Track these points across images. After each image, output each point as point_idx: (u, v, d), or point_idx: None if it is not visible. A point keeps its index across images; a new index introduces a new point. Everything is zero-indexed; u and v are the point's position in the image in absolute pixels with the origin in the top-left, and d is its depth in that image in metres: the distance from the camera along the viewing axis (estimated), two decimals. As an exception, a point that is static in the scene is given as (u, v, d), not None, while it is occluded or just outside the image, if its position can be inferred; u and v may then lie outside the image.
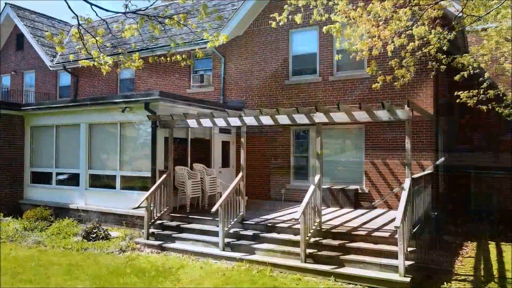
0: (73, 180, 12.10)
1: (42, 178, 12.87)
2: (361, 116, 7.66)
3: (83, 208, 11.51)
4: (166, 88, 15.02)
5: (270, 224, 8.66)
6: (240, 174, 8.95)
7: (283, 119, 8.42)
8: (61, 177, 12.53)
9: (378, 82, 8.05)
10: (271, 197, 12.80)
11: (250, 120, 8.82)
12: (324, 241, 7.78)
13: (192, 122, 9.61)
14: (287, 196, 12.55)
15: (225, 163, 13.03)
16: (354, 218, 9.48)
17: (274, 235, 8.35)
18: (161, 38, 14.86)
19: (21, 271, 7.27)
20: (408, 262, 6.78)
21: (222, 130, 12.84)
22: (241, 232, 8.66)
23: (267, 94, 13.07)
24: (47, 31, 19.51)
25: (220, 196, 11.49)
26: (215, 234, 8.73)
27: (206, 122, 9.42)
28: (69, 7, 6.34)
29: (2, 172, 12.46)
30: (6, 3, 19.57)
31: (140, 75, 15.96)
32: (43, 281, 6.73)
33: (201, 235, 9.00)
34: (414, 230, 7.75)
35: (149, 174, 10.38)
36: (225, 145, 13.07)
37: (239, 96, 13.58)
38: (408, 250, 7.00)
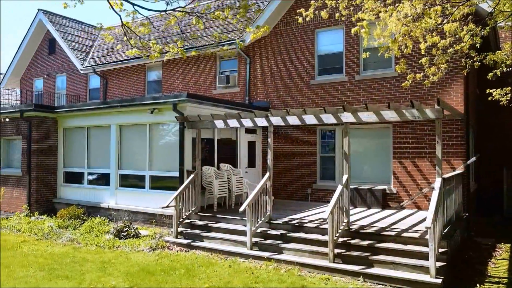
0: (104, 180, 12.46)
1: (74, 178, 13.30)
2: (390, 115, 7.58)
3: (113, 207, 11.83)
4: (192, 89, 15.24)
5: (297, 224, 8.68)
6: (267, 174, 9.00)
7: (310, 119, 8.43)
8: (92, 177, 12.91)
9: (408, 81, 7.93)
10: (297, 197, 12.81)
11: (276, 120, 8.87)
12: (353, 241, 7.74)
13: (219, 123, 9.73)
14: (313, 196, 12.52)
15: (251, 163, 13.12)
16: (382, 219, 9.38)
17: (301, 234, 8.37)
18: (188, 40, 15.09)
19: (58, 267, 7.55)
20: (439, 263, 6.68)
21: (248, 130, 12.93)
22: (269, 232, 8.72)
23: (293, 94, 13.08)
24: (77, 35, 20.18)
25: (247, 196, 11.61)
26: (243, 233, 8.82)
27: (233, 123, 9.52)
28: (111, 6, 6.52)
29: (38, 172, 12.94)
30: (38, 9, 20.28)
31: (167, 77, 16.25)
32: (79, 277, 6.96)
33: (229, 234, 9.11)
34: (445, 231, 7.62)
35: (177, 174, 10.57)
36: (251, 145, 13.16)
37: (264, 96, 13.64)
38: (439, 251, 6.90)
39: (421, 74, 7.80)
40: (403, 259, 7.00)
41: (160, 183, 11.24)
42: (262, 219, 8.83)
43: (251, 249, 8.36)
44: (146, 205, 11.18)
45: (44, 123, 13.17)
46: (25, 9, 74.19)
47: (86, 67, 18.52)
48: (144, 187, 11.47)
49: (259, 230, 8.73)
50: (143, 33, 7.43)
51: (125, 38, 7.52)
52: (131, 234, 9.83)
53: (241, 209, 8.27)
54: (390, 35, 7.08)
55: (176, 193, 9.59)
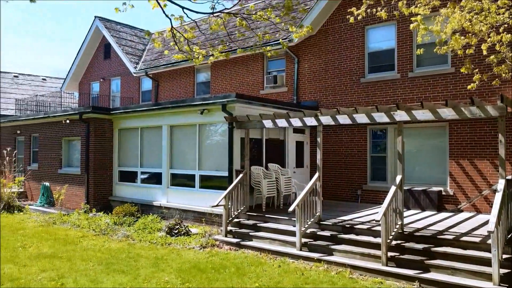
0: (156, 179, 12.87)
1: (128, 177, 13.86)
2: (447, 113, 7.22)
3: (165, 205, 12.19)
4: (240, 90, 15.38)
5: (348, 226, 8.49)
6: (317, 174, 8.89)
7: (361, 118, 8.21)
8: (145, 176, 13.39)
9: (474, 82, 7.48)
10: (346, 198, 12.55)
11: (326, 120, 8.73)
12: (407, 245, 7.45)
13: (267, 123, 9.73)
14: (364, 198, 12.21)
15: (299, 163, 13.02)
16: (438, 222, 8.96)
17: (352, 236, 8.17)
18: (236, 42, 15.24)
19: (114, 261, 7.88)
20: (503, 270, 6.26)
21: (296, 130, 12.85)
22: (318, 233, 8.59)
23: (342, 93, 12.83)
24: (130, 40, 21.02)
25: (295, 196, 11.54)
26: (292, 233, 8.77)
27: (282, 123, 9.49)
28: (163, 11, 6.72)
29: (95, 171, 13.61)
30: (95, 16, 21.36)
31: (215, 78, 16.52)
32: (134, 272, 7.22)
33: (278, 234, 9.08)
34: (509, 236, 7.13)
35: (226, 174, 10.70)
36: (299, 145, 13.06)
37: (312, 96, 13.49)
38: (503, 257, 6.47)
39: (488, 73, 7.33)
40: (462, 265, 6.64)
41: (209, 183, 11.44)
42: (312, 219, 8.73)
43: (301, 249, 8.28)
44: (196, 204, 11.42)
45: (100, 124, 13.84)
46: (82, 17, 78.48)
47: (138, 70, 19.26)
48: (194, 186, 11.72)
49: (308, 231, 8.63)
50: (190, 37, 7.59)
51: (172, 44, 7.72)
52: (182, 232, 10.07)
53: (291, 209, 8.22)
54: (451, 31, 6.72)
55: (226, 192, 9.71)
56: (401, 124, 7.88)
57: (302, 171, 13.11)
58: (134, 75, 19.57)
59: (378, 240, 7.62)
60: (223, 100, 10.42)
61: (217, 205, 9.56)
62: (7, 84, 28.80)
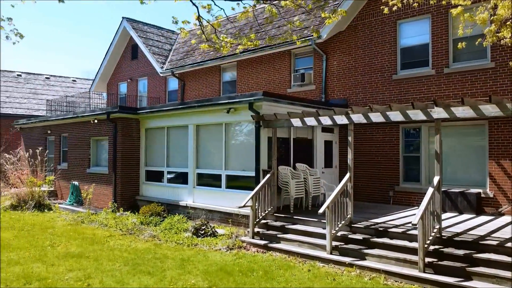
0: (182, 178, 12.78)
1: (154, 176, 13.83)
2: (490, 110, 6.72)
3: (191, 205, 12.06)
4: (267, 88, 15.12)
5: (381, 229, 8.08)
6: (348, 175, 8.52)
7: (396, 116, 7.80)
8: (171, 175, 13.32)
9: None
10: (376, 200, 12.08)
11: (358, 118, 8.35)
12: (446, 250, 7.00)
13: (295, 121, 9.43)
14: (396, 199, 11.72)
15: (328, 163, 12.64)
16: (478, 226, 8.43)
17: (386, 240, 7.77)
18: (263, 39, 15.01)
19: (141, 262, 7.77)
20: (555, 281, 5.75)
21: (325, 129, 12.48)
22: (349, 236, 8.23)
23: (372, 91, 12.37)
24: (157, 40, 21.12)
25: (324, 197, 11.19)
26: (321, 236, 8.45)
27: (311, 121, 9.17)
28: (192, 2, 6.53)
29: (122, 171, 13.65)
30: (123, 17, 21.56)
31: (241, 77, 16.32)
32: (160, 274, 7.08)
33: (306, 236, 8.77)
34: (560, 243, 6.58)
35: (253, 174, 10.46)
36: (328, 144, 12.68)
37: (341, 93, 13.08)
38: (555, 266, 5.95)
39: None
40: (508, 273, 6.15)
41: (235, 183, 11.23)
42: (342, 222, 8.36)
43: (331, 253, 7.94)
44: (222, 204, 11.23)
45: (128, 123, 13.87)
46: (111, 18, 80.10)
47: (165, 70, 19.29)
48: (220, 186, 11.54)
49: (339, 234, 8.28)
50: (217, 26, 7.35)
51: (198, 32, 7.51)
52: (208, 233, 9.90)
53: (321, 210, 7.89)
54: (503, 19, 6.23)
55: (253, 192, 9.47)
56: (439, 122, 7.42)
57: (331, 171, 12.73)
58: (161, 75, 19.62)
59: (414, 244, 7.21)
60: (250, 98, 10.18)
61: (244, 206, 9.33)
62: (39, 85, 29.60)
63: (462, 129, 10.76)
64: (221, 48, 7.71)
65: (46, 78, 31.03)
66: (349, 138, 8.63)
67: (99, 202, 14.41)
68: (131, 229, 10.63)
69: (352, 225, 8.52)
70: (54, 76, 31.75)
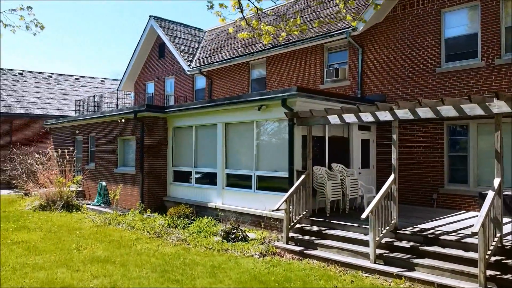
0: (211, 179, 12.28)
1: (182, 177, 13.40)
2: None
3: (220, 207, 11.54)
4: (298, 85, 14.43)
5: (431, 236, 7.31)
6: (392, 176, 7.77)
7: (448, 111, 7.00)
8: (199, 176, 12.85)
9: None
10: (418, 202, 11.21)
11: (404, 114, 7.59)
12: (510, 262, 6.17)
13: (333, 118, 8.75)
14: (440, 202, 10.83)
15: (365, 163, 11.86)
16: (542, 234, 7.51)
17: (437, 249, 6.99)
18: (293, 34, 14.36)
19: (169, 269, 7.28)
20: None
21: (362, 127, 11.71)
22: (395, 243, 7.49)
23: (414, 85, 11.50)
24: (184, 38, 20.78)
25: (361, 199, 10.44)
26: (362, 243, 7.76)
27: (350, 118, 8.46)
28: None
29: (150, 171, 13.28)
30: (150, 16, 21.36)
31: (271, 73, 15.71)
32: (190, 282, 6.56)
33: (346, 243, 8.07)
34: None
35: (286, 175, 9.84)
36: (364, 143, 11.90)
37: (379, 89, 12.27)
38: None
39: None
40: None
41: (267, 184, 10.62)
42: (387, 228, 7.63)
43: (375, 262, 7.22)
44: (253, 206, 10.65)
45: (155, 123, 13.50)
46: (139, 18, 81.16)
47: (192, 68, 18.92)
48: (250, 188, 10.96)
49: (383, 241, 7.55)
50: (260, 11, 6.74)
51: (236, 19, 6.92)
52: (239, 237, 9.34)
53: (364, 215, 7.18)
54: None
55: (287, 195, 8.84)
56: (499, 118, 6.60)
57: (368, 172, 11.94)
58: (188, 73, 19.26)
59: (470, 255, 6.44)
60: (283, 94, 9.55)
61: (277, 209, 8.71)
62: (69, 86, 29.93)
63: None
64: (262, 37, 7.08)
65: (76, 79, 31.36)
66: (394, 136, 7.87)
67: (126, 203, 14.11)
68: (159, 232, 10.20)
69: (397, 231, 7.77)
70: (84, 77, 32.06)
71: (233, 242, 9.18)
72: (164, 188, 13.72)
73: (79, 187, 17.06)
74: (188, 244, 9.22)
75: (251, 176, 10.97)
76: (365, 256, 7.43)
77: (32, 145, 21.29)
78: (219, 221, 11.21)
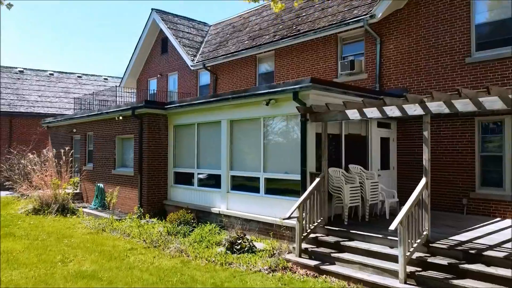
0: (214, 181, 11.22)
1: (184, 179, 12.35)
2: None
3: (224, 212, 10.47)
4: (309, 79, 13.33)
5: (472, 251, 6.17)
6: (424, 180, 6.64)
7: (493, 103, 5.85)
8: (202, 177, 11.80)
9: None
10: (446, 208, 10.06)
11: (437, 107, 6.46)
12: None
13: (352, 113, 7.63)
14: (471, 208, 9.67)
15: (384, 164, 10.72)
16: None
17: (480, 267, 5.86)
18: (305, 24, 13.27)
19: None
20: None
21: (381, 124, 10.58)
22: (428, 260, 6.36)
23: (439, 77, 10.34)
24: (188, 32, 19.76)
25: (382, 205, 9.33)
26: (387, 257, 6.66)
27: (372, 113, 7.33)
28: None
29: (149, 172, 12.26)
30: (152, 9, 20.37)
31: (280, 67, 14.61)
32: (186, 307, 5.51)
33: (369, 257, 6.96)
34: None
35: (298, 177, 8.73)
36: (384, 142, 10.76)
37: (400, 82, 11.12)
38: None
39: None
40: None
41: (277, 187, 9.53)
42: (418, 240, 6.50)
43: (405, 282, 6.10)
44: (260, 212, 9.57)
45: (155, 120, 12.48)
46: (141, 15, 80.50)
47: (196, 63, 17.89)
48: (258, 191, 9.88)
49: (414, 256, 6.43)
50: None
51: None
52: (245, 248, 8.26)
53: (392, 226, 6.06)
54: None
55: (299, 201, 7.75)
56: (559, 110, 5.45)
57: (388, 173, 10.81)
58: (192, 68, 18.23)
59: (525, 276, 5.29)
60: (295, 87, 8.43)
61: (289, 217, 7.61)
62: (71, 84, 29.08)
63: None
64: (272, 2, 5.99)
65: (78, 77, 30.53)
66: (425, 134, 6.73)
67: (124, 207, 13.11)
68: (156, 241, 9.16)
69: (430, 244, 6.64)
70: (86, 74, 31.23)
71: (239, 253, 8.11)
72: (165, 191, 12.68)
73: (76, 189, 16.12)
74: (188, 256, 8.17)
75: (258, 178, 9.89)
76: (393, 274, 6.32)
77: (30, 145, 20.40)
78: (223, 228, 10.15)
